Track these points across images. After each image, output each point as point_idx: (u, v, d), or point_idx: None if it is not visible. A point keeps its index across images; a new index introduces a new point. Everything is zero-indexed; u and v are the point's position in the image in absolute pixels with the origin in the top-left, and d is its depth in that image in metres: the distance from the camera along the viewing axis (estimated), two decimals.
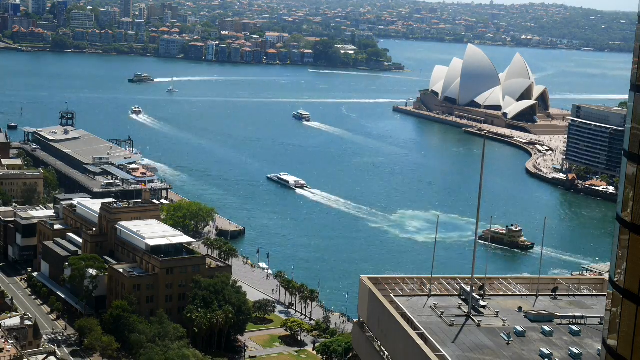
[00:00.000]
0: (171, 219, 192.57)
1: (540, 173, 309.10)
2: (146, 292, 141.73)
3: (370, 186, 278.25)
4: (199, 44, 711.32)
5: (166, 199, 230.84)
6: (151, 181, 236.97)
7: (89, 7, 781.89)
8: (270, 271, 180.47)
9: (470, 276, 73.79)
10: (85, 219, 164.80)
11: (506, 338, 64.63)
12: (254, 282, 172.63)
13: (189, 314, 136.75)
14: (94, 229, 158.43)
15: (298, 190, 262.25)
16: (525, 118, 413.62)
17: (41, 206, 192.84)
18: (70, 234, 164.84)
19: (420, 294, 74.48)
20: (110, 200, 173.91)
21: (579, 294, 77.12)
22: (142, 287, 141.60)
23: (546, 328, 66.85)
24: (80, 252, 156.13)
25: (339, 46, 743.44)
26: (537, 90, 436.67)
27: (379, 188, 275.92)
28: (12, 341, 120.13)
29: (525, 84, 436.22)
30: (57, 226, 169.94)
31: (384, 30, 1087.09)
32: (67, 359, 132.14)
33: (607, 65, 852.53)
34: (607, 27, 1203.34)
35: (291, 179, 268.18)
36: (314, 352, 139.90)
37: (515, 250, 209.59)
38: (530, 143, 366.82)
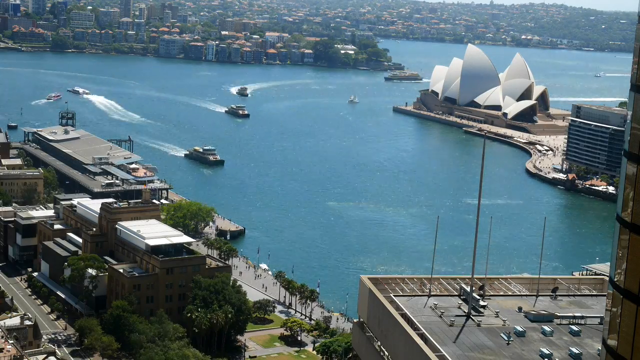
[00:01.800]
0: (171, 219, 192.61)
1: (540, 173, 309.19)
2: (146, 292, 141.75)
3: (370, 186, 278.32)
4: (199, 44, 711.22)
5: (166, 199, 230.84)
6: (151, 181, 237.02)
7: (89, 7, 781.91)
8: (270, 272, 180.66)
9: (470, 276, 73.78)
10: (85, 219, 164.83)
11: (506, 338, 64.61)
12: (249, 280, 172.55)
13: (189, 314, 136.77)
14: (94, 229, 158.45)
15: (85, 95, 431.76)
16: (525, 118, 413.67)
17: (41, 206, 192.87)
18: (70, 234, 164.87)
19: (420, 294, 74.43)
20: (110, 200, 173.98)
21: (579, 294, 77.09)
22: (142, 287, 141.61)
23: (546, 328, 66.82)
24: (80, 252, 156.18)
25: (339, 46, 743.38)
26: (537, 90, 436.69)
27: (379, 188, 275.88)
28: (12, 341, 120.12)
29: (525, 84, 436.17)
30: (57, 226, 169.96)
31: (384, 30, 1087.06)
32: (67, 358, 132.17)
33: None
34: (607, 27, 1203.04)
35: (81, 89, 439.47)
36: (314, 352, 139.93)
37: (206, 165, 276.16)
38: (530, 143, 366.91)
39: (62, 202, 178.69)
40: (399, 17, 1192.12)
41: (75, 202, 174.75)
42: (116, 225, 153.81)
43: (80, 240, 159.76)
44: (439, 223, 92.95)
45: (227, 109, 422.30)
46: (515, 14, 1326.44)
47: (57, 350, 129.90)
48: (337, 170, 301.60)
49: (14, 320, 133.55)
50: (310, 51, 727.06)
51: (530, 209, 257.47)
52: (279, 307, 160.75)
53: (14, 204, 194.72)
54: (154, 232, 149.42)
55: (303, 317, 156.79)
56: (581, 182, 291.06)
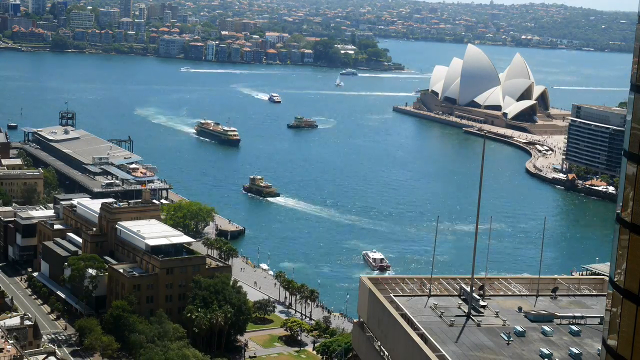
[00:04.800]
0: (171, 219, 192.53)
1: (540, 173, 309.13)
2: (146, 292, 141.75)
3: (371, 186, 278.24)
4: (199, 44, 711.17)
5: (166, 199, 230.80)
6: (151, 181, 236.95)
7: (89, 7, 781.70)
8: (270, 272, 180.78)
9: (470, 276, 73.80)
10: (85, 219, 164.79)
11: (506, 338, 64.64)
12: (250, 280, 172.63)
13: (189, 314, 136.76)
14: (94, 229, 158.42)
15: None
16: (525, 118, 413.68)
17: (41, 206, 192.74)
18: (70, 234, 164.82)
19: (420, 294, 74.46)
20: (110, 200, 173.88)
21: (579, 294, 77.13)
22: (142, 287, 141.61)
23: (546, 328, 66.86)
24: (80, 252, 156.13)
25: (339, 46, 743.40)
26: (537, 90, 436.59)
27: (380, 188, 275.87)
28: (12, 341, 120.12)
29: (525, 84, 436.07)
30: (57, 226, 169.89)
31: (384, 30, 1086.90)
32: (67, 358, 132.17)
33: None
34: (607, 27, 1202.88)
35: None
36: (314, 352, 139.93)
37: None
38: (530, 143, 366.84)
39: (62, 202, 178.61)
40: (399, 17, 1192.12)
41: (75, 202, 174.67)
42: (116, 225, 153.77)
43: (80, 240, 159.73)
44: (438, 223, 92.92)
45: None
46: (515, 14, 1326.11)
47: (57, 350, 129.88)
48: (337, 171, 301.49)
49: (14, 320, 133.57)
50: (310, 51, 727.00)
51: (530, 209, 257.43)
52: (279, 307, 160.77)
53: (14, 204, 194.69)
54: (154, 232, 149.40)
55: (303, 317, 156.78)
56: (581, 182, 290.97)
